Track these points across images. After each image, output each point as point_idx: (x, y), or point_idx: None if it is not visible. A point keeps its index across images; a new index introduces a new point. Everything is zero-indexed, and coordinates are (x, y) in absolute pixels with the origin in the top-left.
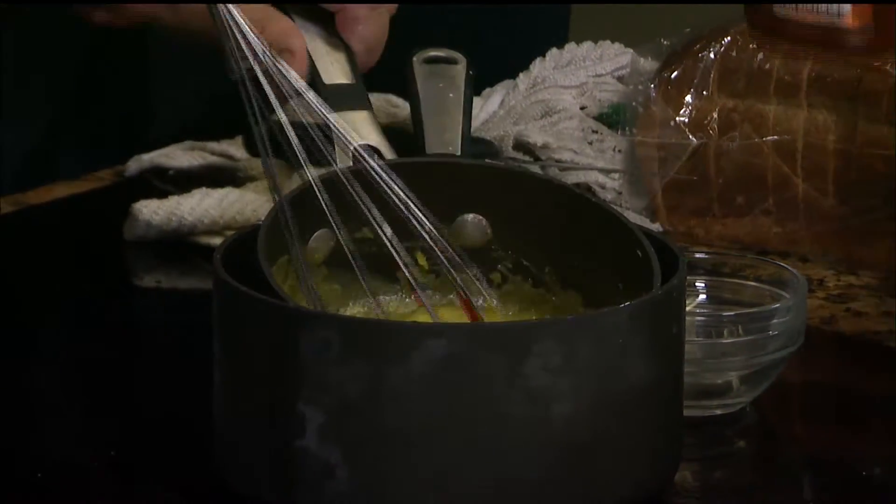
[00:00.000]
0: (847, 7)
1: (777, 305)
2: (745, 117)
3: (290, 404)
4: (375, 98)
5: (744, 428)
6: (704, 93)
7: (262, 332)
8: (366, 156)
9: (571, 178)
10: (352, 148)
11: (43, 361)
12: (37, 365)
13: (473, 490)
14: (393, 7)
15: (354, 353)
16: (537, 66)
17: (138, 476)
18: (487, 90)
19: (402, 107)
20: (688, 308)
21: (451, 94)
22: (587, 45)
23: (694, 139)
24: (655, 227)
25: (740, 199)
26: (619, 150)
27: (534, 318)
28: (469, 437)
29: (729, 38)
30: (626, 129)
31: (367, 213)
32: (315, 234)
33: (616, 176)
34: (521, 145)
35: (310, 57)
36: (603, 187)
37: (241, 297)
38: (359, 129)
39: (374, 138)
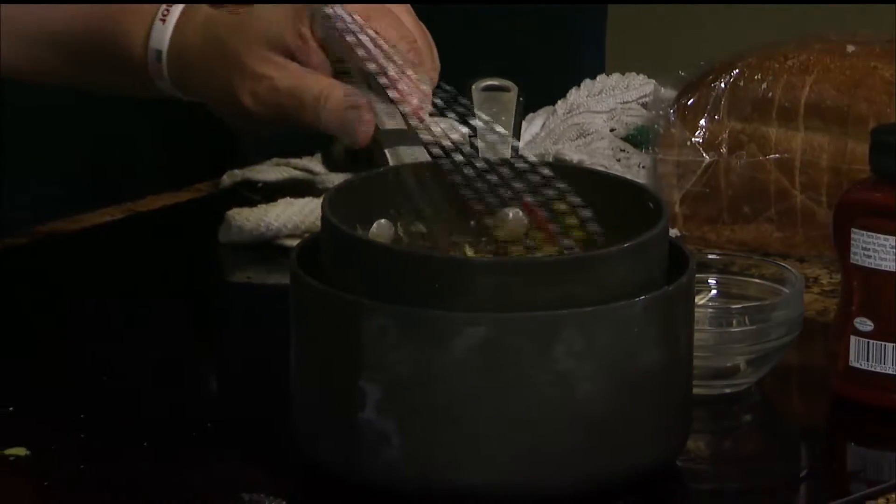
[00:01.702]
0: None
1: (778, 299)
2: (750, 138)
3: (352, 382)
4: (430, 120)
5: (749, 405)
6: (716, 117)
7: (329, 320)
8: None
9: None
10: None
11: (151, 344)
12: (145, 347)
13: (507, 458)
14: (435, 73)
15: (406, 338)
16: (573, 95)
17: (229, 444)
18: (530, 115)
19: (457, 128)
20: (701, 302)
21: (503, 118)
22: (616, 76)
23: (707, 157)
24: (674, 232)
25: (746, 208)
26: (643, 166)
27: None
28: (504, 412)
29: (737, 70)
30: (649, 148)
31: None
32: (376, 223)
33: None
34: (560, 162)
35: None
36: None
37: (311, 289)
38: (412, 159)
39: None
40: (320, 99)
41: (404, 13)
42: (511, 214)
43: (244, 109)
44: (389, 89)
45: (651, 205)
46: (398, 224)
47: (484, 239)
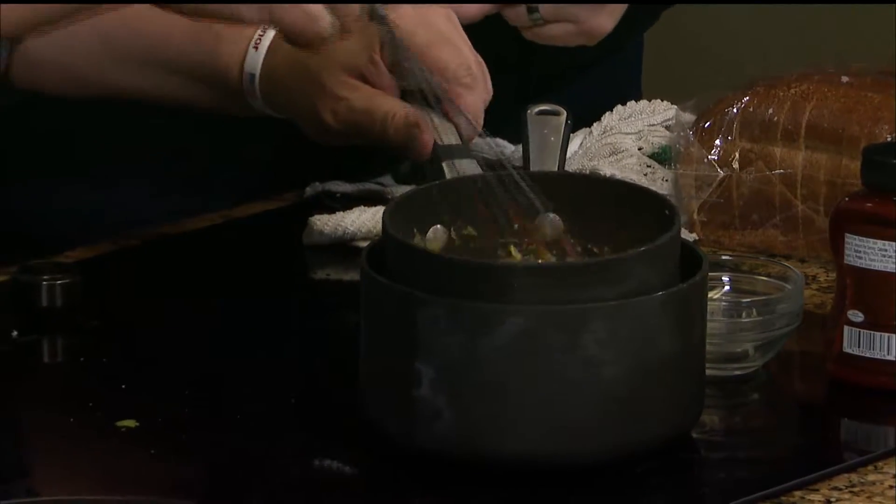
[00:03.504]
0: None
1: (782, 294)
2: (758, 156)
3: (409, 363)
4: (487, 141)
5: (756, 385)
6: (729, 138)
7: (391, 310)
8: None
9: None
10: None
11: (243, 331)
12: (239, 333)
13: (542, 430)
14: (487, 96)
15: (456, 326)
16: (606, 118)
17: (307, 416)
18: (570, 135)
19: (506, 147)
20: (715, 296)
21: (552, 138)
22: (643, 102)
23: (721, 172)
24: (692, 236)
25: (755, 216)
26: (667, 180)
27: None
28: (539, 391)
29: (747, 97)
30: (672, 164)
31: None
32: (432, 229)
33: None
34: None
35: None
36: None
37: (378, 284)
38: (465, 171)
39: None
40: (388, 117)
41: (462, 44)
42: (549, 219)
43: (325, 125)
44: (446, 110)
45: (667, 212)
46: (451, 229)
47: (526, 240)
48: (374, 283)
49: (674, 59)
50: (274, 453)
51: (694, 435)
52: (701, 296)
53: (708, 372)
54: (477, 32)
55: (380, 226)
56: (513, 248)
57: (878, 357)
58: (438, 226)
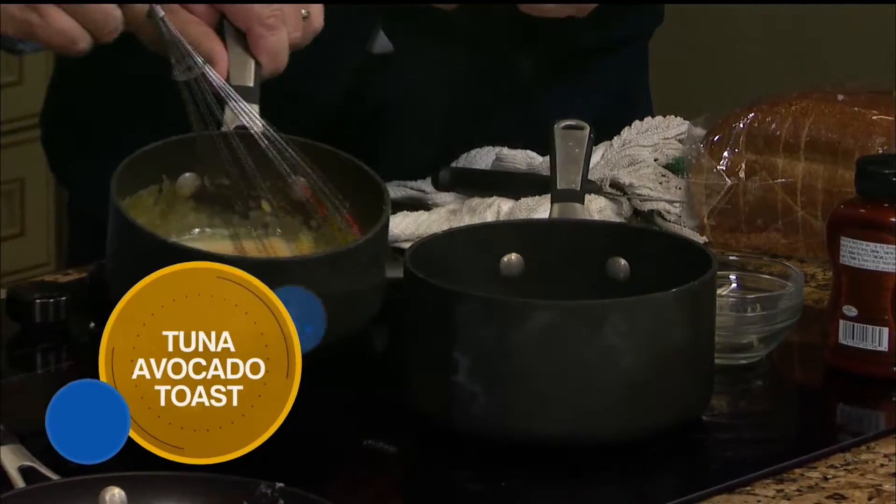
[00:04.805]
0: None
1: (784, 291)
2: (762, 167)
3: (448, 352)
4: (519, 152)
5: (760, 373)
6: (736, 150)
7: (432, 304)
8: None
9: (648, 205)
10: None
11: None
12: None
13: (566, 413)
14: (297, 32)
15: (489, 319)
16: (626, 132)
17: (355, 401)
18: (593, 147)
19: (535, 157)
20: (723, 292)
21: (577, 150)
22: (659, 118)
23: (729, 181)
24: (702, 239)
25: (759, 221)
26: (680, 188)
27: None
28: (564, 378)
29: (753, 113)
30: (685, 174)
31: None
32: (183, 175)
33: (677, 205)
34: (615, 184)
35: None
36: (669, 212)
37: (419, 281)
38: (249, 116)
39: (258, 123)
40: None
41: None
42: (300, 181)
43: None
44: (249, 37)
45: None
46: (205, 177)
47: (281, 197)
48: (417, 281)
49: (686, 79)
50: (326, 433)
51: (704, 418)
52: (710, 292)
53: (716, 361)
54: (482, 22)
55: (421, 229)
56: (264, 203)
57: (870, 348)
58: (188, 174)
